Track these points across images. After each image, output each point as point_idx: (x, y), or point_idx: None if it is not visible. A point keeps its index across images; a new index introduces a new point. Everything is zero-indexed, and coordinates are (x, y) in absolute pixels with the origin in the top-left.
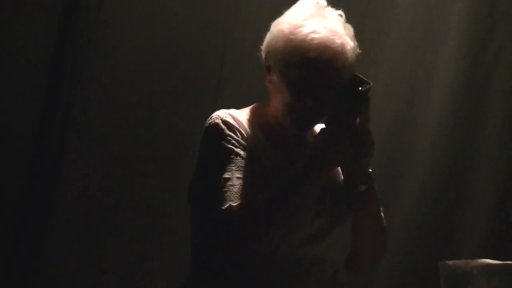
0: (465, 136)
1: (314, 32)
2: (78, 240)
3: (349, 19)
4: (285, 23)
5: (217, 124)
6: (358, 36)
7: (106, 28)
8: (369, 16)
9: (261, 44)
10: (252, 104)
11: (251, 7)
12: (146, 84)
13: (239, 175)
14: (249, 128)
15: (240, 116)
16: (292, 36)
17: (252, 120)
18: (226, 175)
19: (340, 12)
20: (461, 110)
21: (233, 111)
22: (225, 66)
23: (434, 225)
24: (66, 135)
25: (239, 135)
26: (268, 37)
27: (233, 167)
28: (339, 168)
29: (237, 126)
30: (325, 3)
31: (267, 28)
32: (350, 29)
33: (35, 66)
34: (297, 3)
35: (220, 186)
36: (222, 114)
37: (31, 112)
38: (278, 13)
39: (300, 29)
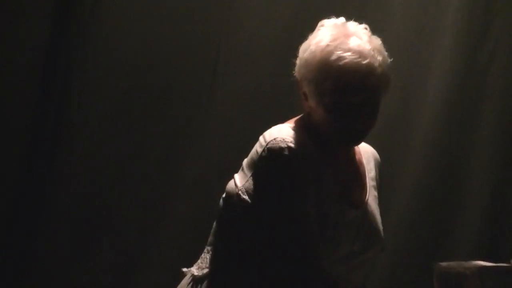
0: (459, 135)
1: (339, 59)
2: (72, 238)
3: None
4: (311, 52)
5: (282, 151)
6: None
7: (100, 25)
8: (363, 16)
9: (257, 43)
10: (248, 101)
11: (246, 5)
12: (140, 81)
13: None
14: (307, 149)
15: (299, 138)
16: (320, 66)
17: (305, 137)
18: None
19: (364, 25)
20: (455, 110)
21: (290, 132)
22: (219, 63)
23: (427, 224)
24: (60, 133)
25: (304, 163)
26: (298, 64)
27: (301, 198)
28: (377, 203)
29: (300, 154)
30: (344, 20)
31: (262, 26)
32: (376, 40)
33: (29, 62)
34: (319, 25)
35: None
36: (288, 138)
37: (24, 109)
38: (273, 12)
39: (326, 57)
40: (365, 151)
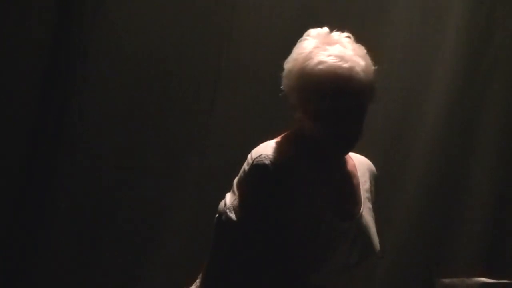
0: (460, 136)
1: (319, 63)
2: (72, 238)
3: (345, 29)
4: (293, 60)
5: (266, 168)
6: None
7: (102, 28)
8: (365, 26)
9: (260, 48)
10: (250, 106)
11: (249, 9)
12: (142, 84)
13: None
14: (294, 164)
15: (286, 152)
16: (301, 73)
17: (292, 151)
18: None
19: (346, 34)
20: (456, 111)
21: (276, 148)
22: (222, 68)
23: (427, 224)
24: (60, 133)
25: (290, 178)
26: (283, 75)
27: (287, 213)
28: (372, 215)
29: (286, 169)
30: (327, 29)
31: (265, 32)
32: (360, 48)
33: (30, 65)
34: (303, 37)
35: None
36: (272, 155)
37: (25, 110)
38: (276, 18)
39: (306, 63)
40: (360, 163)
